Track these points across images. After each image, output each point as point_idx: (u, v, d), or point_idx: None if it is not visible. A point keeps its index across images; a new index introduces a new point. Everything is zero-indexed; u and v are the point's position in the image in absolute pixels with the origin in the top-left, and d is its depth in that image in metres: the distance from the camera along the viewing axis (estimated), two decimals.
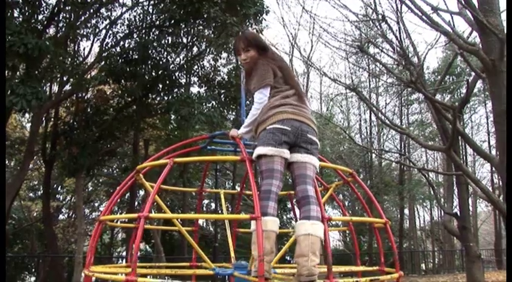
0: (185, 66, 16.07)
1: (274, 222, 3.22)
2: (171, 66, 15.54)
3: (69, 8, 13.55)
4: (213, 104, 14.91)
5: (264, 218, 3.12)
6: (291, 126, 3.42)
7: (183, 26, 14.88)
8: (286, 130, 3.41)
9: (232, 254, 4.51)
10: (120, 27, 15.72)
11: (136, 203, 18.59)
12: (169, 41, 15.40)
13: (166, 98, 15.48)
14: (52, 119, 16.74)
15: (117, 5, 15.48)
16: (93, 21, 15.25)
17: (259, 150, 3.38)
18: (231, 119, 17.56)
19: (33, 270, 22.65)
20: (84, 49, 17.41)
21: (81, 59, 15.98)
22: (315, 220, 3.23)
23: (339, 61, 36.96)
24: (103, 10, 15.16)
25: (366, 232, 27.02)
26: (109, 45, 15.30)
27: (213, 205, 27.39)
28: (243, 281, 3.66)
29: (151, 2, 15.57)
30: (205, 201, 28.46)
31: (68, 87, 15.33)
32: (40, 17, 13.85)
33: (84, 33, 15.17)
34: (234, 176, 23.94)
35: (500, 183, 10.47)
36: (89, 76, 14.87)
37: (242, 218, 3.62)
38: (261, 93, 3.61)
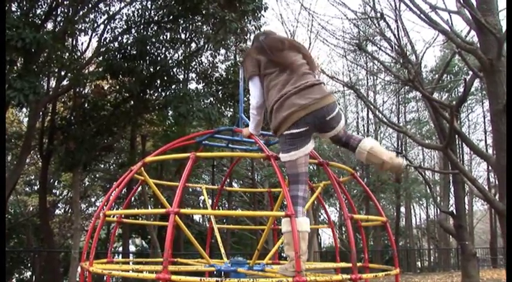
0: (183, 62, 16.04)
1: (307, 224, 3.34)
2: (169, 62, 15.52)
3: (68, 2, 13.52)
4: (210, 100, 14.91)
5: (298, 219, 3.22)
6: (306, 124, 3.36)
7: (182, 22, 14.85)
8: (304, 130, 3.38)
9: (223, 250, 4.53)
10: (119, 22, 15.66)
11: (132, 199, 18.57)
12: (168, 37, 15.37)
13: (164, 94, 15.47)
14: (49, 114, 16.69)
15: (115, 0, 15.46)
16: (92, 16, 15.19)
17: (283, 157, 3.42)
18: (229, 115, 17.55)
19: (29, 265, 22.65)
20: (82, 44, 17.38)
21: (79, 53, 15.93)
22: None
23: (337, 59, 37.10)
24: (101, 5, 15.11)
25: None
26: (107, 41, 15.26)
27: (209, 201, 27.36)
28: (243, 276, 3.69)
29: None
30: (203, 197, 28.47)
31: (65, 82, 15.29)
32: (38, 11, 13.81)
33: (82, 28, 15.11)
34: (231, 172, 23.96)
35: (497, 182, 10.51)
36: (86, 71, 14.84)
37: (276, 215, 3.63)
38: (250, 88, 3.63)
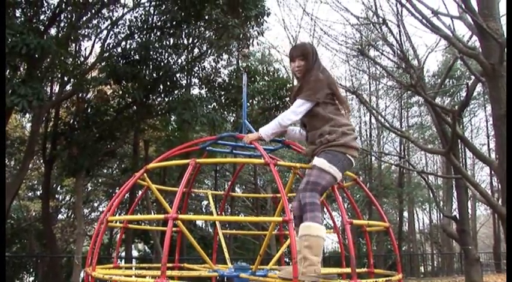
0: (186, 67, 16.06)
1: (324, 230, 3.56)
2: (172, 68, 15.54)
3: (71, 8, 13.57)
4: (214, 105, 14.92)
5: (318, 225, 3.48)
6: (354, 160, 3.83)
7: (185, 27, 14.87)
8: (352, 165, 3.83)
9: (227, 255, 4.54)
10: (122, 28, 15.69)
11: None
12: (171, 43, 15.38)
13: (166, 99, 15.48)
14: (52, 119, 16.73)
15: (118, 5, 15.51)
16: (95, 22, 15.24)
17: (333, 170, 3.63)
18: (231, 120, 17.57)
19: (32, 270, 22.63)
20: (85, 49, 17.38)
21: (82, 59, 15.98)
22: None
23: (339, 64, 37.16)
24: (104, 11, 15.16)
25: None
26: (110, 46, 15.30)
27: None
28: (246, 281, 3.70)
29: (153, 3, 15.57)
30: (205, 202, 28.49)
31: (68, 87, 15.34)
32: (42, 17, 13.88)
33: (86, 33, 15.17)
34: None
35: (499, 187, 10.49)
36: (89, 76, 14.87)
37: (275, 220, 3.68)
38: (301, 107, 3.78)
